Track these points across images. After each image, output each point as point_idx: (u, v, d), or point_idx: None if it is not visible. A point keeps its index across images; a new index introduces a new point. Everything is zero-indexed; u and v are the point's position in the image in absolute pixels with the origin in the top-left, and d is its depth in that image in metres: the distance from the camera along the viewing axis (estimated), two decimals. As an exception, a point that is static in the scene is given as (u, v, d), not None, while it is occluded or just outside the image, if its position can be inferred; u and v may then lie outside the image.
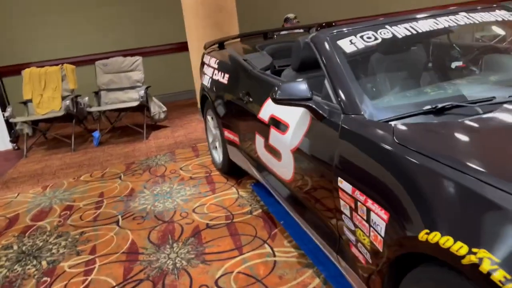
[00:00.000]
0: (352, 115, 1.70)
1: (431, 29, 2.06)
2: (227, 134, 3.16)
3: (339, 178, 1.66)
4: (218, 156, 3.65)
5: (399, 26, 2.07)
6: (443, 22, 2.11)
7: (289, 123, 2.12)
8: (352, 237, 1.67)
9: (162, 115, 5.30)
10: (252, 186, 3.32)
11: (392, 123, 1.58)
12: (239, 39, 3.97)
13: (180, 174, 3.74)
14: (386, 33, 2.03)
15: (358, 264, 1.65)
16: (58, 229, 3.01)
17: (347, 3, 7.01)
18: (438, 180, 1.24)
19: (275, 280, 2.20)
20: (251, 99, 2.64)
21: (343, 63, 1.91)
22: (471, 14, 2.19)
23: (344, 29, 2.09)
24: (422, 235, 1.20)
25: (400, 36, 2.02)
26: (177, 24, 6.08)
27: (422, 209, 1.24)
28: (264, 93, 2.48)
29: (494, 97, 1.66)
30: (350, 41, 2.01)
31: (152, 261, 2.49)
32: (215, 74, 3.28)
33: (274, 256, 2.41)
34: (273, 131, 2.29)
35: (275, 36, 4.14)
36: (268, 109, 2.38)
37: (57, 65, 5.20)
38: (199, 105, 5.45)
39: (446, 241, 1.12)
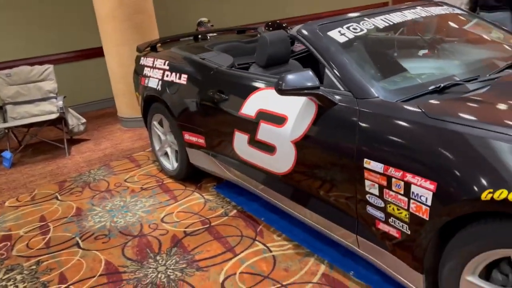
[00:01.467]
0: (369, 99, 1.79)
1: (402, 20, 2.28)
2: (188, 136, 3.03)
3: (365, 160, 1.73)
4: (170, 163, 3.47)
5: (375, 18, 2.24)
6: (409, 14, 2.35)
7: (287, 115, 2.13)
8: (379, 214, 1.75)
9: (82, 127, 4.83)
10: (215, 188, 3.23)
11: (413, 101, 1.70)
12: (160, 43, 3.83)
13: (128, 187, 3.46)
14: (367, 24, 2.18)
15: (390, 239, 1.74)
16: (5, 262, 2.56)
17: (256, 8, 7.22)
18: (487, 144, 1.38)
19: (281, 273, 2.19)
20: (225, 97, 2.58)
21: (341, 52, 1.99)
22: (426, 8, 2.46)
23: (329, 22, 2.19)
24: (485, 195, 1.32)
25: (381, 27, 2.19)
26: (88, 29, 5.63)
27: (477, 173, 1.37)
28: (244, 89, 2.45)
29: (478, 76, 1.90)
30: (339, 32, 2.11)
31: (140, 278, 2.27)
32: (167, 76, 3.13)
33: (270, 251, 2.39)
34: (264, 125, 2.28)
35: (208, 38, 4.11)
36: (254, 104, 2.35)
37: None
38: (119, 113, 5.05)
39: (515, 195, 1.26)
